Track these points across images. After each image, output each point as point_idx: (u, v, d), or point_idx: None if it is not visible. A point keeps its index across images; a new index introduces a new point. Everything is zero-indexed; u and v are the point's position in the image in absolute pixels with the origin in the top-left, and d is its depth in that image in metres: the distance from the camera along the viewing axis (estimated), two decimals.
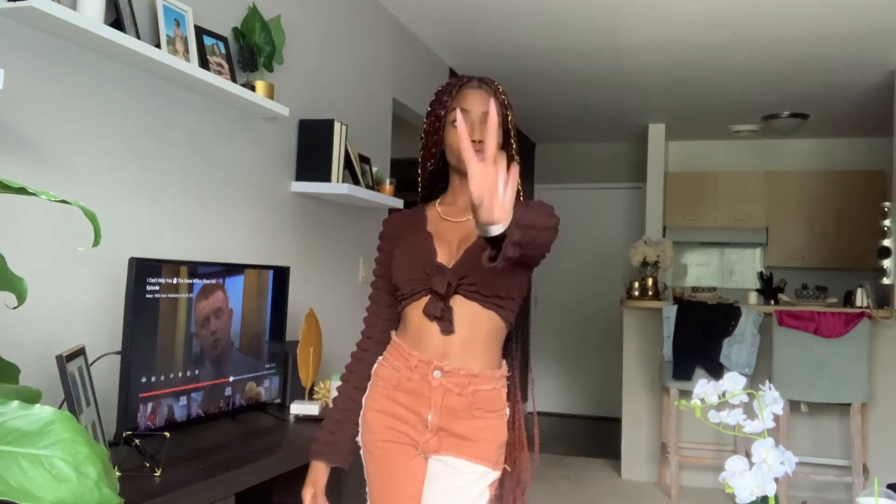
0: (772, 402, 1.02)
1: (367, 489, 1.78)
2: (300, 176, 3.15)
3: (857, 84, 5.23)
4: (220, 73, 2.54)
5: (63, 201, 1.10)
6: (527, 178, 7.05)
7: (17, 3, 1.75)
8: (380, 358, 1.79)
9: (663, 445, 4.90)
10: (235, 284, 2.39)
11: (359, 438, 1.77)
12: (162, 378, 2.06)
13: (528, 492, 1.82)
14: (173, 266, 2.12)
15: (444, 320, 1.66)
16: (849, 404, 4.37)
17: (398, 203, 3.66)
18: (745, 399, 1.03)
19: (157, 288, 2.04)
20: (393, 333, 1.78)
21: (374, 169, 3.66)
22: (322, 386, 2.70)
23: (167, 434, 1.84)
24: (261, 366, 2.53)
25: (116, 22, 2.08)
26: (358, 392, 1.79)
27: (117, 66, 2.19)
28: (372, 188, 3.55)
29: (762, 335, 4.57)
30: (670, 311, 4.73)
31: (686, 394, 4.60)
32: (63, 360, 1.62)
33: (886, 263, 4.84)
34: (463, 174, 1.76)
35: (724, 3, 3.86)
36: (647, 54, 4.71)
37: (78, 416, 1.61)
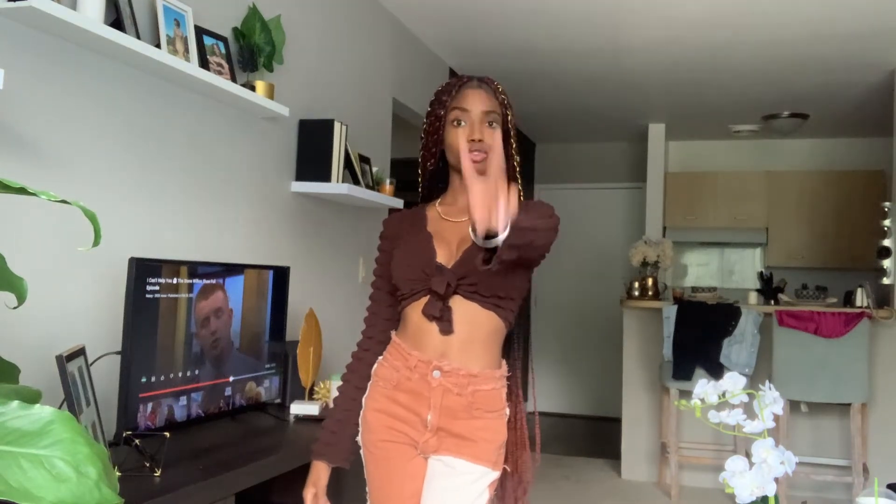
0: (772, 402, 1.02)
1: (366, 489, 1.78)
2: (300, 176, 3.15)
3: (857, 84, 5.23)
4: (220, 73, 2.54)
5: (63, 201, 1.10)
6: (527, 178, 7.04)
7: (17, 3, 1.75)
8: (380, 358, 1.79)
9: (663, 445, 4.90)
10: (235, 284, 2.39)
11: (359, 438, 1.78)
12: (162, 378, 2.06)
13: (529, 492, 1.82)
14: (173, 266, 2.12)
15: (444, 320, 1.66)
16: (849, 404, 4.37)
17: (398, 203, 3.66)
18: (745, 399, 1.03)
19: (157, 288, 2.04)
20: (393, 333, 1.78)
21: (374, 169, 3.66)
22: (322, 386, 2.70)
23: (167, 434, 1.84)
24: (261, 366, 2.53)
25: (116, 22, 2.08)
26: (359, 392, 1.79)
27: (117, 66, 2.19)
28: (372, 188, 3.55)
29: (762, 335, 4.57)
30: (670, 311, 4.73)
31: (686, 394, 4.60)
32: (63, 360, 1.62)
33: (886, 263, 4.84)
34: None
35: (724, 3, 3.86)
36: (647, 54, 4.71)
37: (78, 416, 1.61)
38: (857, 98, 5.57)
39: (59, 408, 1.09)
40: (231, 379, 2.37)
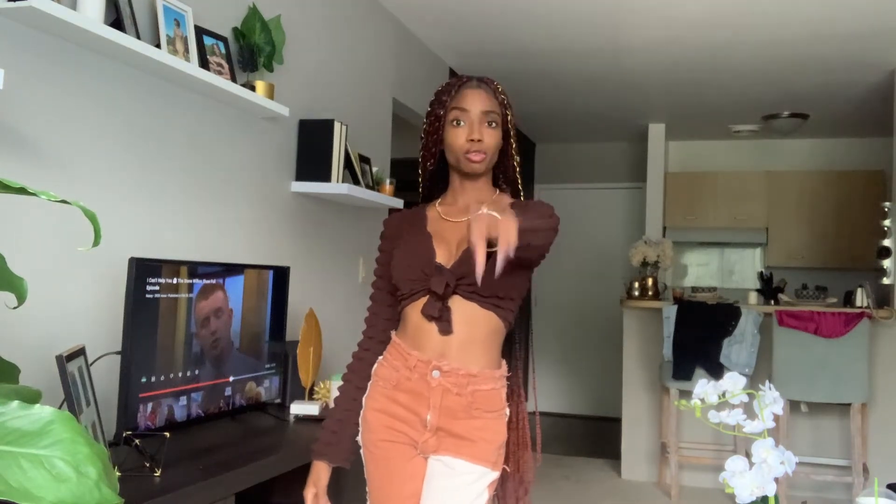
0: (772, 402, 1.02)
1: (366, 489, 1.78)
2: (300, 176, 3.15)
3: (857, 84, 5.23)
4: (220, 73, 2.54)
5: (63, 201, 1.10)
6: (527, 178, 7.05)
7: (17, 3, 1.75)
8: (380, 358, 1.79)
9: (663, 445, 4.90)
10: (235, 284, 2.39)
11: (359, 438, 1.78)
12: (162, 378, 2.06)
13: (530, 492, 1.82)
14: (173, 266, 2.12)
15: (443, 320, 1.66)
16: (849, 404, 4.37)
17: (398, 203, 3.66)
18: (745, 399, 1.03)
19: (157, 288, 2.04)
20: (393, 333, 1.78)
21: (374, 169, 3.66)
22: (322, 386, 2.70)
23: (167, 434, 1.84)
24: (261, 366, 2.53)
25: (116, 22, 2.08)
26: (359, 392, 1.79)
27: (117, 66, 2.19)
28: (372, 188, 3.55)
29: (762, 335, 4.57)
30: (670, 311, 4.73)
31: (686, 394, 4.60)
32: (63, 360, 1.62)
33: (886, 263, 4.84)
34: (462, 174, 1.77)
35: (724, 3, 3.86)
36: (647, 54, 4.71)
37: (78, 416, 1.61)
38: (857, 98, 5.57)
39: (59, 408, 1.09)
40: (231, 379, 2.37)
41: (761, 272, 6.46)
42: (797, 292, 5.37)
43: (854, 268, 6.49)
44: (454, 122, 1.72)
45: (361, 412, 1.77)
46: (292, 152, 3.15)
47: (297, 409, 2.59)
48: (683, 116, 6.36)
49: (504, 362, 1.77)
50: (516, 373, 1.81)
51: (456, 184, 1.79)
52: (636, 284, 5.35)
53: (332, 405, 1.95)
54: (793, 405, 4.55)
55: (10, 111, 1.87)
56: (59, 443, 0.95)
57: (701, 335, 4.60)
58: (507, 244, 1.37)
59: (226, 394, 2.35)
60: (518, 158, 1.80)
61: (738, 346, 4.55)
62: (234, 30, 2.72)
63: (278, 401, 2.66)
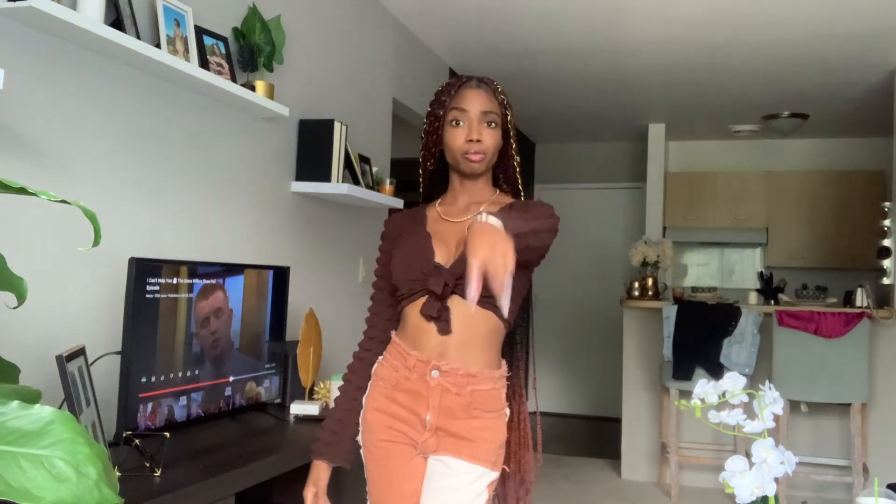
0: (772, 402, 1.02)
1: (366, 489, 1.78)
2: (300, 176, 3.15)
3: (857, 84, 5.23)
4: (220, 73, 2.54)
5: (63, 201, 1.10)
6: (527, 178, 7.06)
7: (17, 3, 1.75)
8: (380, 358, 1.79)
9: (663, 445, 4.90)
10: (235, 284, 2.39)
11: (359, 438, 1.78)
12: (162, 378, 2.06)
13: (531, 492, 1.82)
14: (173, 266, 2.12)
15: (441, 320, 1.66)
16: (849, 404, 4.37)
17: (398, 203, 3.66)
18: (745, 399, 1.03)
19: (157, 288, 2.04)
20: (393, 333, 1.78)
21: (374, 169, 3.66)
22: (322, 386, 2.70)
23: (167, 434, 1.84)
24: (261, 366, 2.53)
25: (116, 22, 2.08)
26: (360, 392, 1.79)
27: (117, 66, 2.19)
28: (372, 188, 3.55)
29: (762, 335, 4.57)
30: (670, 311, 4.73)
31: (686, 394, 4.60)
32: (63, 360, 1.62)
33: (886, 263, 4.84)
34: (462, 175, 1.77)
35: (724, 3, 3.86)
36: (647, 54, 4.71)
37: (78, 416, 1.61)
38: (857, 98, 5.57)
39: (59, 408, 1.09)
40: (231, 379, 2.37)
41: (761, 272, 6.47)
42: (797, 292, 5.37)
43: (854, 268, 6.49)
44: (453, 122, 1.72)
45: (361, 412, 1.77)
46: (292, 152, 3.15)
47: (297, 409, 2.59)
48: (683, 116, 6.36)
49: (504, 362, 1.77)
50: (518, 373, 1.81)
51: (456, 184, 1.79)
52: (636, 284, 5.35)
53: (332, 405, 1.95)
54: (793, 405, 4.55)
55: (10, 111, 1.87)
56: (59, 443, 0.95)
57: (701, 335, 4.60)
58: (502, 289, 1.30)
59: (226, 394, 2.35)
60: (518, 158, 1.80)
61: (738, 346, 4.55)
62: (234, 30, 2.72)
63: (278, 401, 2.66)
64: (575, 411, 7.54)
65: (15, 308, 1.26)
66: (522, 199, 1.83)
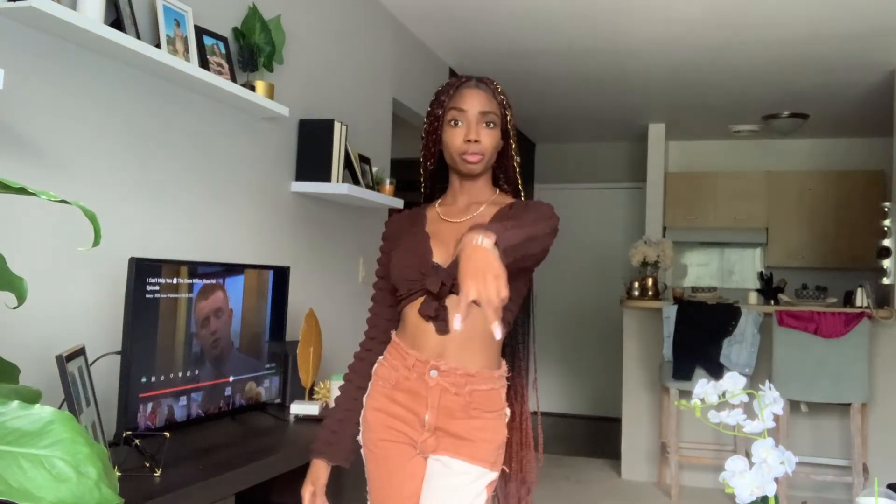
0: (772, 402, 1.02)
1: (367, 488, 1.78)
2: (300, 176, 3.15)
3: (857, 84, 5.23)
4: (220, 73, 2.54)
5: (63, 201, 1.10)
6: (527, 178, 7.07)
7: (17, 3, 1.75)
8: (380, 357, 1.79)
9: (663, 445, 4.90)
10: (235, 284, 2.39)
11: (360, 437, 1.78)
12: (162, 378, 2.06)
13: (533, 492, 1.82)
14: (173, 266, 2.12)
15: (439, 320, 1.66)
16: (849, 404, 4.37)
17: (398, 203, 3.66)
18: (745, 399, 1.03)
19: (157, 288, 2.04)
20: (393, 333, 1.78)
21: (374, 169, 3.66)
22: (322, 386, 2.70)
23: (167, 434, 1.84)
24: (261, 366, 2.53)
25: (116, 22, 2.08)
26: (360, 392, 1.79)
27: (117, 66, 2.19)
28: (372, 188, 3.55)
29: (762, 335, 4.57)
30: (670, 311, 4.73)
31: (686, 394, 4.60)
32: (63, 360, 1.62)
33: (886, 263, 4.84)
34: (461, 175, 1.77)
35: (724, 3, 3.86)
36: (647, 54, 4.71)
37: (78, 416, 1.61)
38: (857, 98, 5.57)
39: (59, 408, 1.09)
40: (231, 379, 2.37)
41: (761, 272, 6.47)
42: (797, 292, 5.37)
43: (854, 268, 6.49)
44: (452, 123, 1.72)
45: (362, 412, 1.77)
46: (292, 152, 3.15)
47: (297, 409, 2.59)
48: (683, 116, 6.36)
49: (504, 362, 1.76)
50: (519, 373, 1.81)
51: (455, 184, 1.79)
52: (636, 284, 5.35)
53: (332, 405, 1.95)
54: (793, 405, 4.55)
55: (10, 111, 1.87)
56: (59, 443, 0.95)
57: (701, 335, 4.60)
58: (495, 316, 1.28)
59: (226, 394, 2.35)
60: (518, 159, 1.80)
61: (738, 346, 4.55)
62: (234, 30, 2.72)
63: (278, 401, 2.66)
64: (575, 411, 7.54)
65: (15, 308, 1.26)
66: (523, 199, 1.83)
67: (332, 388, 2.62)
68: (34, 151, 1.94)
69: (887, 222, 4.90)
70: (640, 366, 5.17)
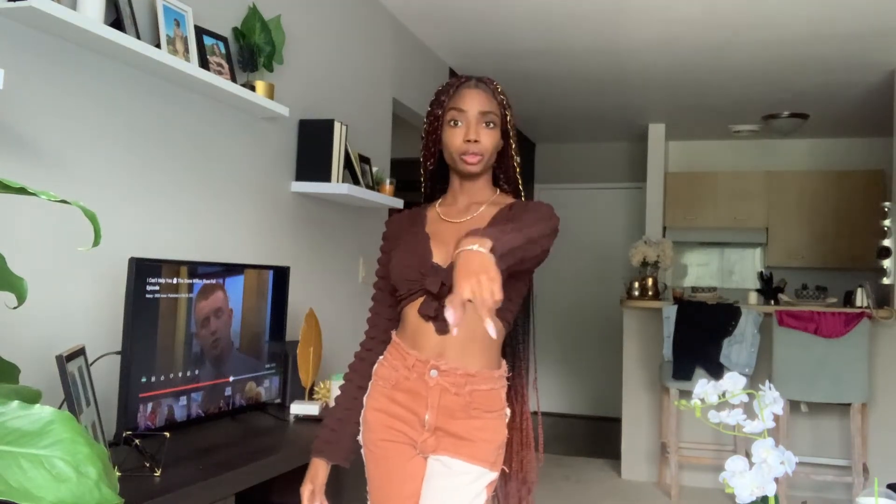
0: (772, 402, 1.02)
1: (367, 488, 1.78)
2: (300, 176, 3.15)
3: (857, 84, 5.23)
4: (220, 73, 2.54)
5: (63, 201, 1.10)
6: (527, 178, 7.07)
7: (17, 3, 1.75)
8: (380, 357, 1.79)
9: (663, 445, 4.90)
10: (235, 284, 2.39)
11: (360, 437, 1.78)
12: (162, 378, 2.06)
13: (533, 492, 1.82)
14: (173, 266, 2.12)
15: (439, 320, 1.66)
16: (849, 404, 4.37)
17: (398, 203, 3.66)
18: (745, 399, 1.03)
19: (157, 288, 2.04)
20: (393, 333, 1.78)
21: (374, 169, 3.66)
22: (322, 386, 2.70)
23: (167, 434, 1.84)
24: (261, 366, 2.53)
25: (116, 22, 2.08)
26: (360, 391, 1.79)
27: (117, 66, 2.19)
28: (372, 188, 3.55)
29: (762, 335, 4.57)
30: (670, 311, 4.73)
31: (686, 394, 4.60)
32: (63, 360, 1.62)
33: (886, 263, 4.84)
34: (461, 175, 1.77)
35: (724, 3, 3.86)
36: (647, 54, 4.71)
37: (78, 416, 1.61)
38: (857, 98, 5.57)
39: (59, 408, 1.09)
40: (231, 379, 2.37)
41: (761, 272, 6.47)
42: (797, 292, 5.37)
43: (854, 268, 6.49)
44: (451, 123, 1.72)
45: (362, 412, 1.77)
46: (292, 152, 3.15)
47: (297, 409, 2.59)
48: (683, 116, 6.36)
49: (504, 362, 1.76)
50: (520, 373, 1.81)
51: (455, 184, 1.79)
52: (636, 284, 5.35)
53: (332, 405, 1.95)
54: (793, 405, 4.55)
55: (10, 111, 1.87)
56: (59, 443, 0.95)
57: (701, 335, 4.60)
58: (487, 315, 1.28)
59: (226, 394, 2.35)
60: (518, 158, 1.80)
61: (738, 346, 4.55)
62: (234, 30, 2.72)
63: (278, 401, 2.66)
64: (575, 411, 7.54)
65: (15, 308, 1.26)
66: (523, 198, 1.83)
67: (332, 388, 2.62)
68: (34, 151, 1.94)
69: (887, 222, 4.90)
70: (640, 366, 5.17)
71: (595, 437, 6.58)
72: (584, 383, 7.54)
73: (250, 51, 2.70)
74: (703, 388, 1.04)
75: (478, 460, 1.66)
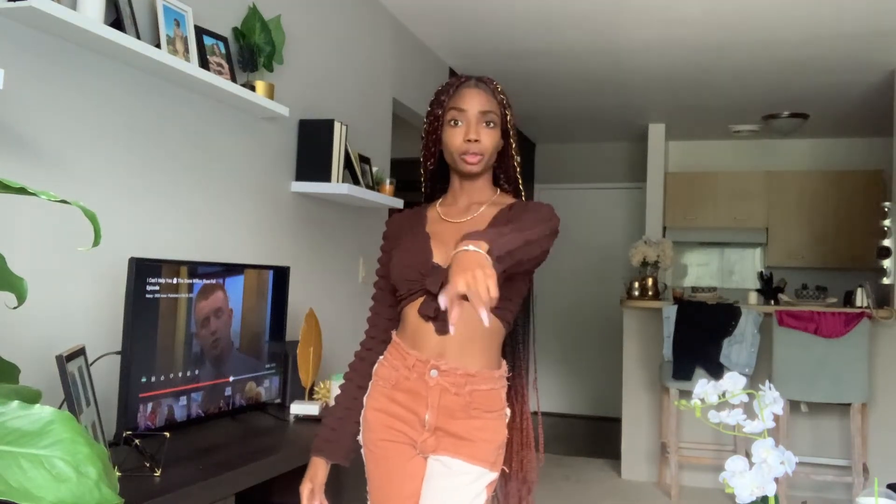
0: (772, 402, 1.02)
1: (367, 488, 1.78)
2: (300, 176, 3.15)
3: (857, 84, 5.23)
4: (220, 73, 2.54)
5: (63, 201, 1.10)
6: (527, 178, 7.06)
7: (17, 3, 1.75)
8: (380, 357, 1.79)
9: (663, 445, 4.90)
10: (235, 284, 2.39)
11: (360, 437, 1.78)
12: (162, 378, 2.06)
13: (533, 492, 1.82)
14: (173, 266, 2.12)
15: (439, 320, 1.66)
16: (849, 404, 4.37)
17: (398, 203, 3.66)
18: (745, 399, 1.03)
19: (157, 288, 2.04)
20: (394, 333, 1.78)
21: (374, 169, 3.66)
22: (322, 386, 2.70)
23: (167, 434, 1.84)
24: (261, 366, 2.53)
25: (116, 22, 2.08)
26: (360, 391, 1.79)
27: (117, 66, 2.19)
28: (372, 188, 3.55)
29: (762, 335, 4.57)
30: (670, 311, 4.73)
31: (686, 394, 4.60)
32: (63, 360, 1.62)
33: (886, 263, 4.84)
34: (461, 175, 1.76)
35: (724, 3, 3.86)
36: (647, 54, 4.71)
37: (78, 416, 1.61)
38: (857, 98, 5.57)
39: (59, 408, 1.09)
40: (231, 379, 2.37)
41: (761, 272, 6.47)
42: (797, 292, 5.37)
43: (854, 268, 6.49)
44: (451, 122, 1.72)
45: (362, 411, 1.77)
46: (292, 152, 3.15)
47: (297, 409, 2.59)
48: (683, 116, 6.36)
49: (504, 362, 1.76)
50: (520, 373, 1.81)
51: (456, 184, 1.79)
52: (636, 284, 5.35)
53: (332, 405, 1.95)
54: (793, 405, 4.55)
55: (10, 111, 1.87)
56: (59, 443, 0.95)
57: (701, 335, 4.60)
58: (483, 305, 1.29)
59: (226, 394, 2.35)
60: (518, 158, 1.80)
61: (738, 346, 4.55)
62: (234, 30, 2.72)
63: (278, 401, 2.66)
64: (575, 411, 7.54)
65: (15, 308, 1.26)
66: (523, 198, 1.82)
67: (332, 388, 2.62)
68: (34, 151, 1.94)
69: (887, 222, 4.90)
70: (640, 366, 5.17)
71: (595, 437, 6.58)
72: (584, 383, 7.54)
73: (250, 51, 2.70)
74: (703, 388, 1.04)
75: (478, 460, 1.66)
